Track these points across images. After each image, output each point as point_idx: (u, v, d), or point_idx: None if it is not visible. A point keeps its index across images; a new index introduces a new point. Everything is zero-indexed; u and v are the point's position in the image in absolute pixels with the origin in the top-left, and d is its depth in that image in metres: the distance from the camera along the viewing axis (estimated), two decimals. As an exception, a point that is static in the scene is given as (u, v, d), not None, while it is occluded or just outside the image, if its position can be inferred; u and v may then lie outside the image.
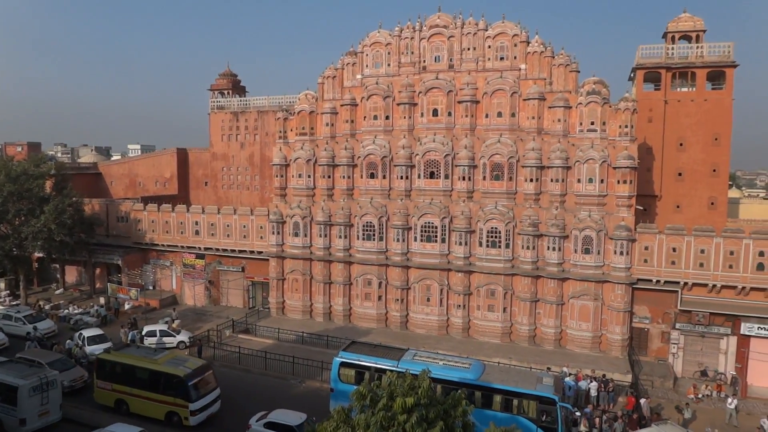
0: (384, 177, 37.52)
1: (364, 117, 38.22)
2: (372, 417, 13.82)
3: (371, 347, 27.29)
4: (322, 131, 39.43)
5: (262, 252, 42.11)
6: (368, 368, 24.45)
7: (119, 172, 60.52)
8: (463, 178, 35.70)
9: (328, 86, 39.42)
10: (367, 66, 38.44)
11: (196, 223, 44.48)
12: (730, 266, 32.02)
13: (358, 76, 38.58)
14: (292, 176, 40.18)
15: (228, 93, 56.87)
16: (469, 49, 36.07)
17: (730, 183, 53.06)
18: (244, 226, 42.85)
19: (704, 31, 38.71)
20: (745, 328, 31.67)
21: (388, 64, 37.87)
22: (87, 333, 33.78)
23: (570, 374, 29.62)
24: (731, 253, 31.93)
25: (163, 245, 46.08)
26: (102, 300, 43.98)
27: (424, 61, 37.04)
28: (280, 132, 40.84)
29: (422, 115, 36.88)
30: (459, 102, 35.98)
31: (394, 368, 21.87)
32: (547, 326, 34.62)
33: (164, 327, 36.31)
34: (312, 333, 36.22)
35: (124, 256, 46.36)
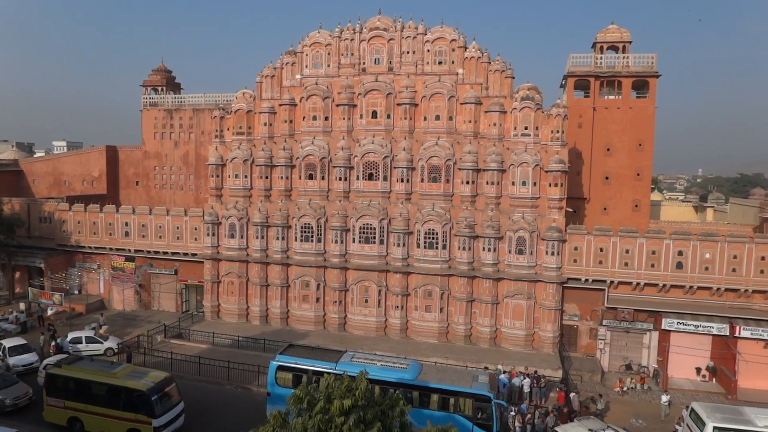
0: (323, 178, 37.34)
1: (303, 117, 37.91)
2: (309, 420, 13.71)
3: (309, 350, 27.09)
4: (260, 131, 38.82)
5: (196, 254, 41.00)
6: (306, 371, 24.28)
7: (43, 170, 57.38)
8: (402, 180, 36.02)
9: (266, 85, 38.85)
10: (306, 66, 38.15)
11: (126, 224, 42.82)
12: (652, 265, 33.78)
13: (298, 76, 38.24)
14: (229, 176, 39.33)
15: (162, 89, 55.06)
16: (408, 52, 36.44)
17: (653, 186, 55.97)
18: (178, 228, 41.61)
19: (630, 42, 40.67)
20: (665, 323, 33.51)
21: (328, 65, 37.73)
22: (7, 343, 31.72)
23: (504, 372, 30.40)
24: (653, 252, 33.69)
25: (90, 247, 44.10)
26: (22, 305, 41.60)
27: (364, 63, 37.14)
28: (217, 131, 39.93)
29: (361, 116, 36.96)
30: (398, 104, 36.29)
31: (332, 370, 21.78)
32: (483, 325, 35.42)
33: (91, 333, 34.77)
34: (248, 337, 35.56)
35: (48, 259, 44.04)
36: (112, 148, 55.96)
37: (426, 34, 36.21)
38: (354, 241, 36.85)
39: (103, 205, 44.39)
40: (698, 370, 34.62)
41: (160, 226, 42.03)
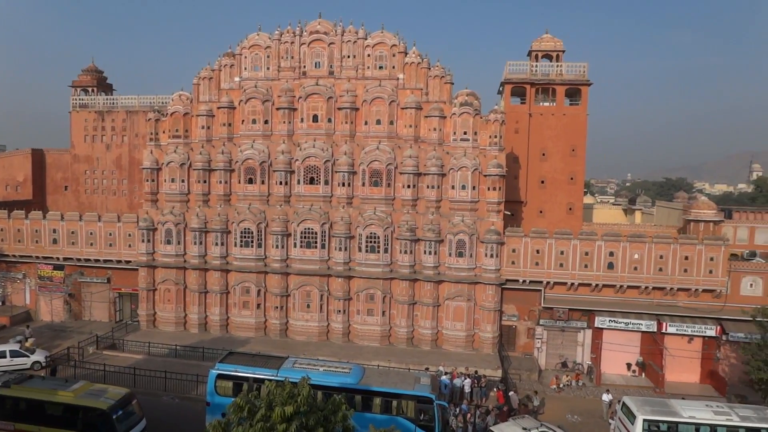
0: (263, 182, 36.81)
1: (243, 121, 37.28)
2: (250, 429, 13.49)
3: (249, 357, 26.61)
4: (198, 134, 37.89)
5: (130, 261, 39.52)
6: (246, 379, 23.84)
7: (-39, 175, 53.94)
8: (343, 184, 35.99)
9: (204, 87, 37.96)
10: (245, 68, 37.55)
11: (54, 231, 40.82)
12: (586, 266, 35.11)
13: (237, 79, 37.57)
14: (165, 181, 38.16)
15: (93, 90, 52.84)
16: (349, 56, 36.49)
17: (585, 190, 58.26)
18: (111, 234, 40.01)
19: (563, 51, 42.22)
20: (598, 321, 34.89)
21: (268, 68, 37.27)
22: None
23: (446, 373, 30.80)
24: (586, 253, 35.02)
25: (14, 256, 41.79)
26: (-62, 319, 38.93)
27: (305, 67, 36.91)
28: (152, 134, 38.66)
29: (302, 120, 36.71)
30: (339, 109, 36.26)
31: (273, 377, 21.46)
32: (425, 327, 35.79)
33: (16, 346, 32.92)
34: (186, 345, 34.56)
35: (-33, 269, 41.42)
36: (38, 151, 53.28)
37: (367, 39, 36.38)
38: (295, 245, 36.50)
39: (28, 212, 42.15)
40: (629, 365, 36.23)
41: (91, 233, 40.29)
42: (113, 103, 51.73)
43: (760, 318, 30.21)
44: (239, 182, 37.17)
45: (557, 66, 41.47)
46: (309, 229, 36.23)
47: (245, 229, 36.79)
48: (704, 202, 40.20)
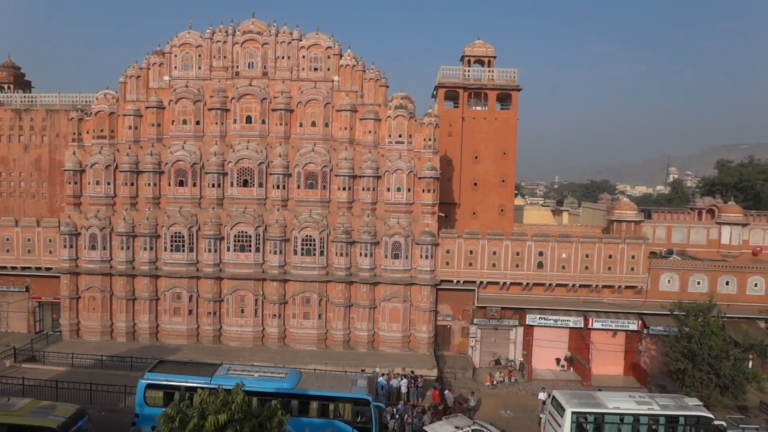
0: (194, 185, 35.80)
1: (173, 121, 36.13)
2: (182, 439, 13.10)
3: (181, 365, 25.89)
4: (125, 135, 36.40)
5: (51, 268, 37.47)
6: (178, 388, 23.20)
7: None
8: (278, 187, 35.53)
9: (131, 86, 36.52)
10: (175, 67, 36.42)
11: (-34, 236, 38.14)
12: (517, 265, 36.19)
13: (166, 78, 36.39)
14: (89, 183, 36.41)
15: (9, 87, 49.76)
16: (283, 57, 36.09)
17: (516, 192, 60.08)
18: (29, 240, 37.80)
19: (494, 57, 43.34)
20: (529, 319, 36.04)
21: (199, 67, 36.31)
22: None
23: (382, 374, 30.96)
24: (517, 253, 36.11)
25: None
26: None
27: (238, 67, 36.21)
28: (74, 134, 36.82)
29: (235, 121, 35.98)
30: (273, 110, 35.78)
31: (206, 385, 20.92)
32: (361, 330, 35.84)
33: None
34: (113, 355, 33.09)
35: None
36: (-54, 151, 49.57)
37: (301, 40, 36.11)
38: (229, 249, 35.69)
39: (-65, 216, 39.20)
40: (558, 360, 37.64)
41: (7, 239, 37.92)
42: (32, 101, 48.82)
43: (677, 312, 32.17)
44: (169, 185, 35.99)
45: (489, 71, 42.55)
46: (243, 232, 35.53)
47: (176, 233, 35.65)
48: (626, 203, 42.29)
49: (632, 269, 36.09)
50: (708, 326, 30.24)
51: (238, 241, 35.60)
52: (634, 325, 35.65)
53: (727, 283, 36.80)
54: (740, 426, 26.94)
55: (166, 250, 35.87)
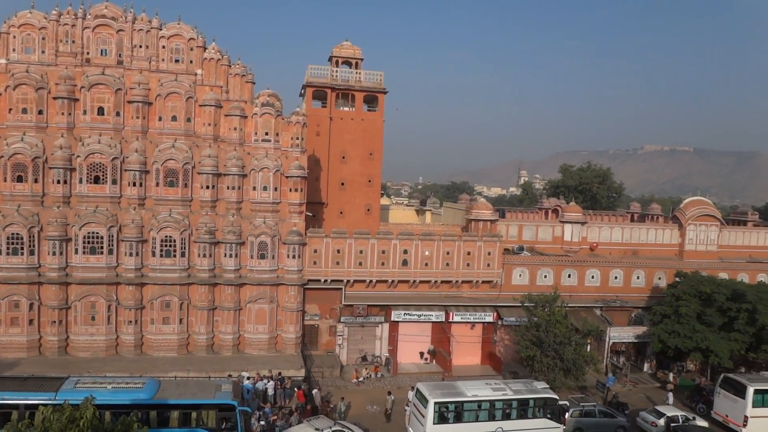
0: (36, 181, 32.40)
1: (10, 109, 32.39)
2: (20, 461, 11.86)
3: (20, 381, 23.50)
4: (-52, 123, 32.05)
5: None
6: (16, 407, 21.01)
7: None
8: (134, 184, 33.29)
9: (-44, 68, 32.23)
10: (14, 50, 32.74)
11: None
12: (383, 263, 37.19)
13: (2, 61, 32.59)
14: None
15: None
16: (141, 46, 33.88)
17: (382, 192, 61.60)
18: None
19: (362, 59, 44.09)
20: (394, 315, 37.20)
21: (43, 51, 32.95)
22: None
23: (249, 377, 30.29)
24: (383, 252, 37.11)
25: None
26: None
27: (89, 54, 33.37)
28: None
29: (85, 112, 33.13)
30: (129, 102, 33.46)
31: (50, 401, 19.09)
32: (226, 333, 34.72)
33: None
34: (-66, 373, 29.01)
35: None
36: None
37: (162, 30, 34.17)
38: (77, 252, 32.77)
39: None
40: (421, 354, 39.29)
41: None
42: None
43: (527, 303, 35.04)
44: (5, 180, 32.22)
45: (356, 73, 43.21)
46: (94, 233, 32.80)
47: (13, 234, 32.00)
48: (483, 203, 45.13)
49: (488, 265, 38.62)
50: (553, 315, 33.29)
51: (89, 242, 32.80)
52: (490, 317, 38.17)
53: (569, 275, 40.76)
54: (581, 404, 30.01)
55: (1, 253, 32.08)
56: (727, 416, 30.52)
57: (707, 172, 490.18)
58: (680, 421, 29.38)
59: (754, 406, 29.43)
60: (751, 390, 29.49)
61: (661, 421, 29.34)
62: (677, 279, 37.90)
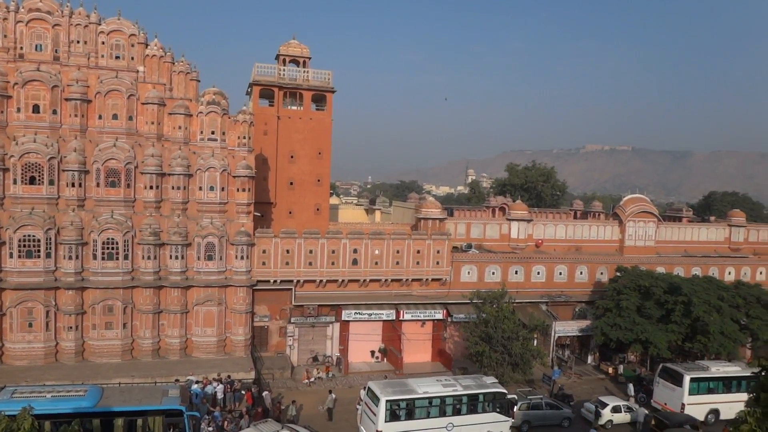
0: (-35, 182, 30.77)
1: (-66, 107, 30.67)
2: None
3: None
4: None
5: None
6: (-57, 421, 19.80)
7: None
8: (73, 185, 32.03)
9: None
10: (-63, 44, 30.97)
11: None
12: (333, 263, 37.09)
13: (-76, 55, 30.75)
14: None
15: None
16: (79, 42, 32.62)
17: (332, 192, 61.50)
18: None
19: (309, 58, 43.79)
20: (345, 314, 37.18)
21: (-31, 46, 31.29)
22: None
23: (197, 381, 29.65)
24: (333, 251, 37.01)
25: None
26: None
27: (22, 48, 31.90)
28: None
29: (19, 110, 31.64)
30: (67, 99, 32.16)
31: (-16, 412, 18.21)
32: (172, 337, 33.86)
33: None
34: None
35: None
36: None
37: (101, 25, 32.99)
38: (12, 256, 31.26)
39: None
40: (372, 352, 39.41)
41: None
42: None
43: (475, 300, 35.69)
44: (-69, 181, 30.50)
45: (304, 72, 42.91)
46: (30, 236, 31.37)
47: (-60, 238, 30.31)
48: (431, 202, 45.62)
49: (438, 263, 39.09)
50: (501, 311, 34.02)
51: (24, 245, 31.34)
52: (439, 315, 38.67)
53: (516, 272, 41.72)
54: (528, 397, 30.81)
55: (-74, 258, 30.33)
56: (665, 404, 31.95)
57: (645, 171, 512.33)
58: (622, 410, 30.63)
59: (690, 394, 30.97)
60: (687, 378, 31.01)
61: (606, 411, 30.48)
62: (618, 274, 39.42)
